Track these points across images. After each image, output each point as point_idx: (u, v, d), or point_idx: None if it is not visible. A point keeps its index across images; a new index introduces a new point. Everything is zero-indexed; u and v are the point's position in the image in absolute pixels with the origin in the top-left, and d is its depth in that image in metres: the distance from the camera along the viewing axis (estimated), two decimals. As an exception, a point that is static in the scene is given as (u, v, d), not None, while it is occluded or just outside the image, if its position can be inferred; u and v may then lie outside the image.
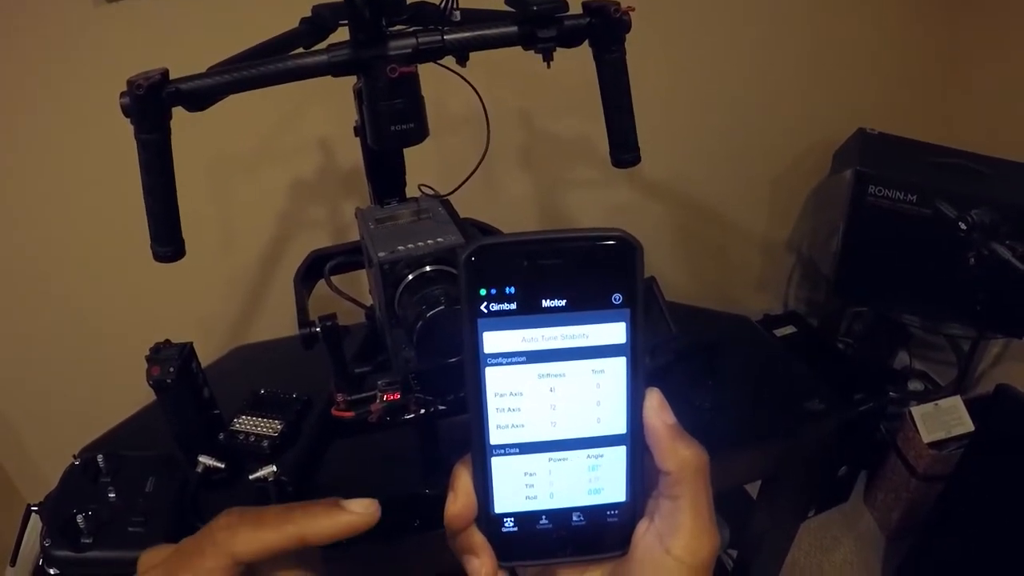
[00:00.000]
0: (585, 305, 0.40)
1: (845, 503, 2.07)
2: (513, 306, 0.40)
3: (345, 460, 1.10)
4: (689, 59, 1.77)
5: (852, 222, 1.77)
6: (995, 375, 2.10)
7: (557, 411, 0.42)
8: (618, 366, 0.41)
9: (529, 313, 0.40)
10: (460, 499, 0.43)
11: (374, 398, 0.92)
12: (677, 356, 1.12)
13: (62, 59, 1.31)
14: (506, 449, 0.42)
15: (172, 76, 0.81)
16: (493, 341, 0.40)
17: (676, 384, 1.13)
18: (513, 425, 0.42)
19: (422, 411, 0.91)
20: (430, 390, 0.89)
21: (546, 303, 0.40)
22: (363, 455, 1.09)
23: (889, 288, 1.85)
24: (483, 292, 0.39)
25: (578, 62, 0.91)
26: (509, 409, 0.41)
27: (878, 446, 1.97)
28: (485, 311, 0.40)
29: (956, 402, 1.81)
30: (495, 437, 0.42)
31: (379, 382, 0.91)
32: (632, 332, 0.41)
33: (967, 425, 1.77)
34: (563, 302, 0.40)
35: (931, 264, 1.75)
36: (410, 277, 0.79)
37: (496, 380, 0.41)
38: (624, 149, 0.93)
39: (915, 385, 2.14)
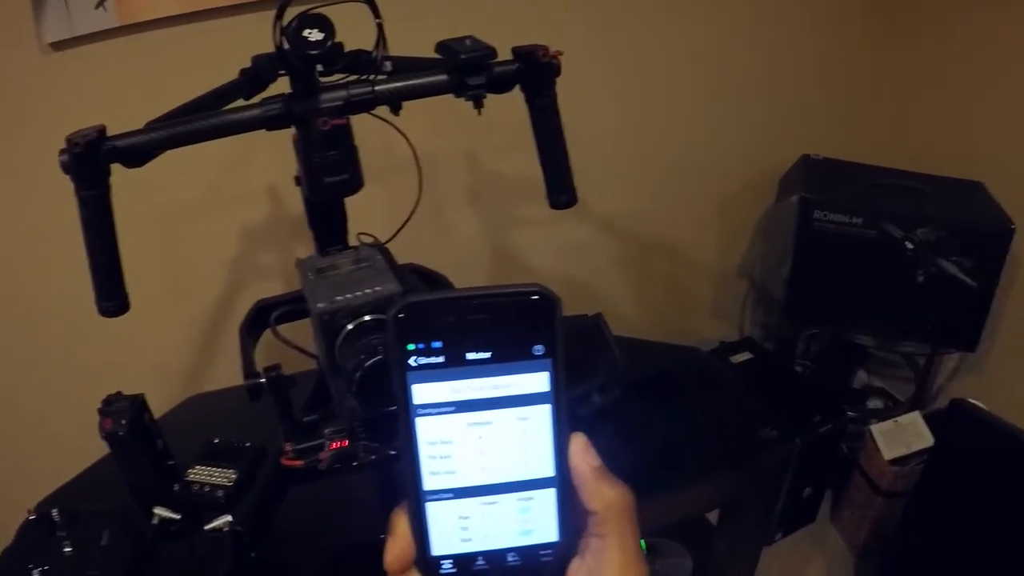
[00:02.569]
0: (509, 357, 0.42)
1: (812, 524, 2.07)
2: (440, 359, 0.42)
3: (300, 508, 1.10)
4: (631, 91, 1.80)
5: (800, 247, 1.80)
6: (953, 388, 2.13)
7: (487, 457, 0.43)
8: (543, 413, 0.43)
9: (456, 365, 0.42)
10: (398, 543, 0.44)
11: (323, 446, 0.92)
12: (627, 391, 1.13)
13: (8, 105, 1.31)
14: (440, 494, 0.44)
15: (115, 125, 0.82)
16: (422, 392, 0.42)
17: (628, 419, 1.14)
18: (445, 471, 0.43)
19: (371, 457, 0.92)
20: (377, 437, 0.90)
21: (471, 356, 0.42)
22: (318, 502, 1.09)
23: (842, 309, 1.88)
24: (411, 347, 0.41)
25: (519, 100, 0.94)
26: (441, 456, 0.43)
27: (841, 465, 1.98)
28: (413, 364, 0.41)
29: (915, 418, 1.83)
30: (428, 483, 0.43)
31: (326, 431, 0.91)
32: (555, 380, 0.43)
33: (927, 440, 1.79)
34: (488, 354, 0.42)
35: (881, 284, 1.77)
36: (349, 327, 0.79)
37: (427, 429, 0.43)
38: (560, 191, 0.95)
39: (875, 403, 2.16)
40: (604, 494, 0.44)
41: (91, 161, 0.80)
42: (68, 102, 1.29)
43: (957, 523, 1.53)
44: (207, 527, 1.04)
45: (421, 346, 0.41)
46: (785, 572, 1.96)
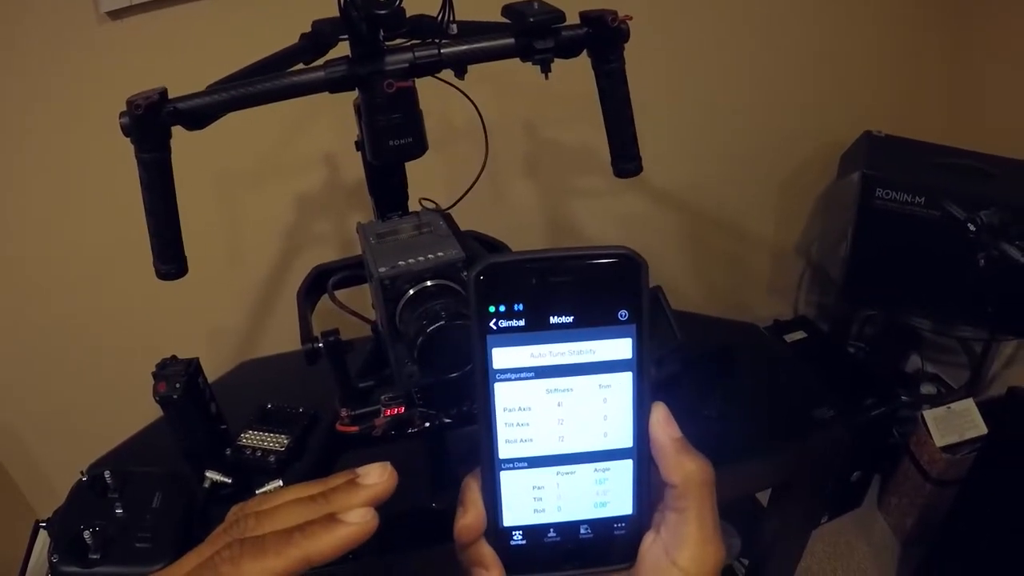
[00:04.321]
0: (592, 321, 0.41)
1: (858, 508, 2.05)
2: (521, 323, 0.41)
3: (352, 474, 1.09)
4: (693, 64, 1.77)
5: (860, 225, 1.76)
6: (1008, 376, 2.08)
7: (565, 425, 0.43)
8: (624, 381, 0.42)
9: (537, 329, 0.41)
10: (470, 512, 0.43)
11: (378, 412, 0.91)
12: (684, 365, 1.12)
13: (66, 74, 1.32)
14: (515, 463, 0.43)
15: (173, 93, 0.81)
16: (502, 357, 0.41)
17: (684, 394, 1.13)
18: (522, 440, 0.43)
19: (426, 425, 0.91)
20: (434, 404, 0.89)
21: (554, 319, 0.41)
22: (370, 468, 1.09)
23: (899, 291, 1.83)
24: (492, 309, 0.40)
25: (582, 70, 0.92)
26: (518, 424, 0.42)
27: (891, 450, 1.95)
28: (494, 328, 0.41)
29: (969, 405, 1.79)
30: (504, 451, 0.43)
31: (382, 397, 0.90)
32: (638, 347, 0.42)
33: (980, 428, 1.76)
34: (570, 319, 0.41)
35: (941, 266, 1.73)
36: (411, 292, 0.79)
37: (505, 395, 0.42)
38: (625, 159, 0.93)
39: (927, 388, 2.12)
40: (685, 467, 0.42)
41: (152, 123, 0.79)
42: (125, 71, 1.29)
43: (1008, 516, 1.50)
44: (258, 492, 1.04)
45: (502, 308, 0.40)
46: (829, 556, 1.95)
